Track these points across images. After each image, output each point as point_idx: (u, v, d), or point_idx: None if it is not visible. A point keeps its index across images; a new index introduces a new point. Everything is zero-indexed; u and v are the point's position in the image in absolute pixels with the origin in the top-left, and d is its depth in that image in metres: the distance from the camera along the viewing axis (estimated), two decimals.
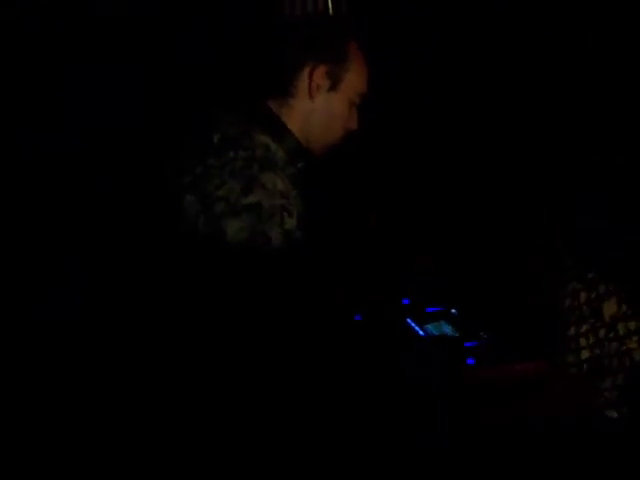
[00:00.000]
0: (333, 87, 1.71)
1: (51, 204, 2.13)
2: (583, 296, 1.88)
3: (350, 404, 1.56)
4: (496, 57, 2.45)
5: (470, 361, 1.80)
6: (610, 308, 1.87)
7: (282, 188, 1.54)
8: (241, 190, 1.52)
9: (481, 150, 2.52)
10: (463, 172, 2.56)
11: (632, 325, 1.85)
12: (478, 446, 1.61)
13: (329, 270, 1.80)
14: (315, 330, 1.51)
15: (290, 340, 1.48)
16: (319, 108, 1.71)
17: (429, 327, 1.98)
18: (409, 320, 2.01)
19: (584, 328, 1.87)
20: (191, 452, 1.50)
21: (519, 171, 2.28)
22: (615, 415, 1.77)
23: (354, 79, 1.74)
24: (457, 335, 1.94)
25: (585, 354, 1.85)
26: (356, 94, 1.75)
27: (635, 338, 1.84)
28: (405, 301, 2.13)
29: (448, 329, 1.97)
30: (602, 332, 1.86)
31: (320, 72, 1.69)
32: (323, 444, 1.51)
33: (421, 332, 1.96)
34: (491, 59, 2.47)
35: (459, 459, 1.60)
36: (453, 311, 2.05)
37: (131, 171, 1.90)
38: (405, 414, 1.63)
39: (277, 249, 1.48)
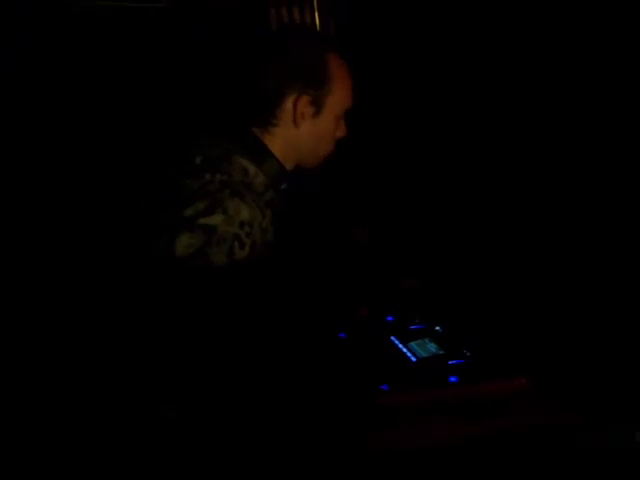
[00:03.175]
0: (318, 112, 1.71)
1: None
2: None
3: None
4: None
5: (453, 379, 1.80)
6: None
7: (245, 217, 1.54)
8: (203, 210, 1.53)
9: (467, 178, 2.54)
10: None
11: None
12: (459, 463, 1.61)
13: (292, 297, 1.79)
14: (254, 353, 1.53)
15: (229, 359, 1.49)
16: (305, 133, 1.71)
17: (413, 345, 1.97)
18: (393, 338, 2.01)
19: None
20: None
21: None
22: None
23: (338, 98, 1.73)
24: (441, 353, 1.93)
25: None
26: (342, 109, 1.75)
27: None
28: (389, 318, 2.13)
29: (432, 347, 1.97)
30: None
31: (304, 101, 1.68)
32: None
33: (405, 350, 1.96)
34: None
35: (440, 476, 1.60)
36: (437, 328, 2.05)
37: (116, 192, 1.92)
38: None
39: (215, 275, 1.49)
